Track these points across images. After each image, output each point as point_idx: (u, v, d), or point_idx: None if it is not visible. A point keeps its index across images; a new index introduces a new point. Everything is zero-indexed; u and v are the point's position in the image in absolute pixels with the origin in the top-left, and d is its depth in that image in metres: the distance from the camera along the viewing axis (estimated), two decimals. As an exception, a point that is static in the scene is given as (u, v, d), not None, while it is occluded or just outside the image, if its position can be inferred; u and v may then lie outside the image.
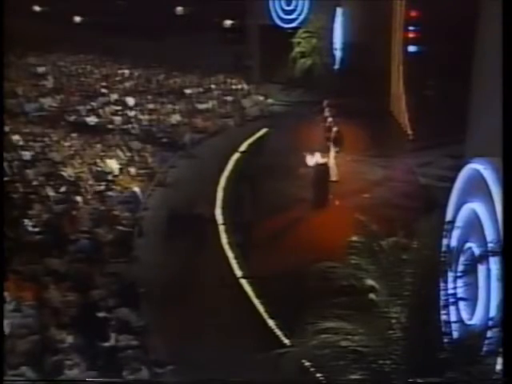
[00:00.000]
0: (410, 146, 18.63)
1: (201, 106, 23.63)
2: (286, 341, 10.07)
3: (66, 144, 19.47)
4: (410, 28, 19.21)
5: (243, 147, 19.75)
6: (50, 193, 15.54)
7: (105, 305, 11.14)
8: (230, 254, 13.33)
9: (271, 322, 10.97)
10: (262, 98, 24.69)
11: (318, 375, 8.21)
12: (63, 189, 15.78)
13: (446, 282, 7.90)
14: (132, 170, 17.48)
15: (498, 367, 6.99)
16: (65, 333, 10.26)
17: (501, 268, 7.45)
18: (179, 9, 34.95)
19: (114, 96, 24.46)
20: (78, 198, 15.28)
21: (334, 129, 16.51)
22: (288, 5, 26.36)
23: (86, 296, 11.31)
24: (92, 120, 22.07)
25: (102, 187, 16.29)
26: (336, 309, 7.65)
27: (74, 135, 20.43)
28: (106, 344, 10.28)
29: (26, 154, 18.27)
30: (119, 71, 28.26)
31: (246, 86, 25.92)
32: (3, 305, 10.46)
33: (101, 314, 10.88)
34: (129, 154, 18.71)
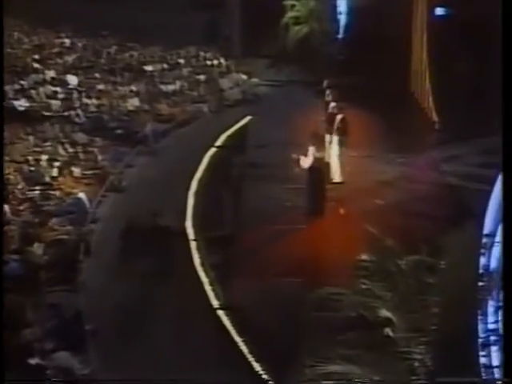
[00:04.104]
0: (435, 138, 18.76)
1: (166, 88, 23.61)
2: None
3: (-13, 136, 19.43)
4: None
5: (220, 141, 19.77)
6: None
7: (39, 348, 11.04)
8: (205, 279, 13.31)
9: (258, 366, 10.94)
10: (244, 77, 24.74)
11: None
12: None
13: (484, 313, 7.96)
14: (76, 171, 17.46)
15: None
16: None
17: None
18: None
19: (51, 73, 24.34)
20: (5, 208, 15.17)
21: (338, 116, 16.56)
22: (277, -44, 26.52)
23: (15, 336, 11.17)
24: (21, 104, 21.92)
25: (36, 193, 16.21)
26: (342, 348, 7.70)
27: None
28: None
29: None
30: (57, 40, 28.11)
31: (223, 62, 25.96)
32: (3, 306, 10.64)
33: (33, 361, 10.76)
34: (71, 149, 18.65)
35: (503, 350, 7.16)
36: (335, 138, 16.40)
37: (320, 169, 15.22)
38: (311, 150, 15.02)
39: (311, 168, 15.11)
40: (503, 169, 8.15)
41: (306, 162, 15.11)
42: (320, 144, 15.41)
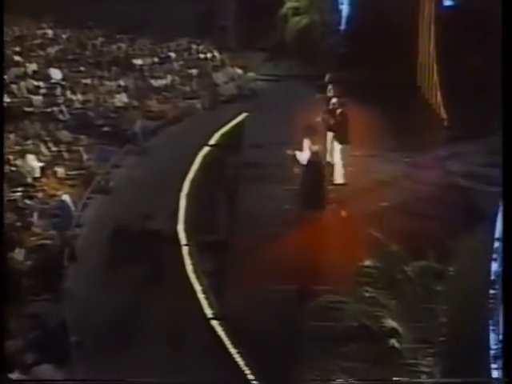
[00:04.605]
0: (444, 136, 18.78)
1: (156, 83, 23.60)
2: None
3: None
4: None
5: (214, 139, 19.78)
6: None
7: (20, 360, 11.01)
8: (197, 287, 13.30)
9: (254, 379, 10.94)
10: (239, 71, 24.74)
11: None
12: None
13: (496, 323, 7.97)
14: (60, 171, 17.41)
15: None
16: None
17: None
18: None
19: (33, 66, 24.31)
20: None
21: (339, 112, 16.55)
22: None
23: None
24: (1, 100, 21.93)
25: (18, 195, 16.19)
26: (343, 360, 7.68)
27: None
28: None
29: None
30: (39, 31, 28.07)
31: (217, 55, 25.95)
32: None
33: (14, 375, 10.70)
34: (55, 148, 18.62)
35: (503, 349, 7.17)
36: (336, 136, 16.42)
37: (317, 163, 15.24)
38: (306, 143, 15.05)
39: (308, 163, 15.13)
40: (503, 169, 8.24)
41: (302, 156, 15.14)
42: (316, 137, 15.39)
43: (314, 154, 15.11)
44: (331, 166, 16.53)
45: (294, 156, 15.30)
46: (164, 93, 23.01)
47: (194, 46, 26.70)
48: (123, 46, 26.79)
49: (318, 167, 15.29)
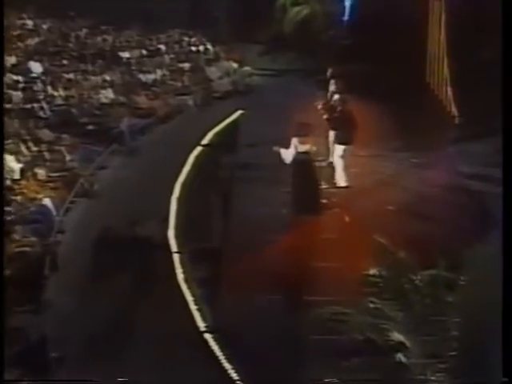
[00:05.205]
0: (455, 134, 18.81)
1: (144, 78, 23.65)
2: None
3: None
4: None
5: (208, 138, 19.80)
6: None
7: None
8: (189, 297, 13.31)
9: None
10: (235, 66, 24.79)
11: None
12: None
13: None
14: (40, 173, 17.46)
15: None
16: None
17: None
18: None
19: (11, 60, 24.32)
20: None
21: (341, 109, 16.57)
22: None
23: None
24: (-23, 96, 21.97)
25: (-5, 198, 16.21)
26: (347, 376, 7.70)
27: None
28: None
29: None
30: (18, 22, 28.07)
31: (211, 48, 26.00)
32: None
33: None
34: (35, 148, 18.66)
35: (503, 349, 7.22)
36: (338, 135, 16.43)
37: (307, 164, 15.27)
38: (294, 141, 15.08)
39: (298, 163, 15.17)
40: (503, 169, 8.37)
41: (286, 155, 15.17)
42: (309, 135, 15.36)
43: (304, 153, 15.13)
44: (332, 167, 16.57)
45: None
46: (153, 88, 23.09)
47: (186, 38, 26.79)
48: (109, 37, 26.84)
49: (309, 168, 15.33)
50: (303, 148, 15.13)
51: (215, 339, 12.16)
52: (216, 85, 23.79)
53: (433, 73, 21.38)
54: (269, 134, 18.57)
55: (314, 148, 15.47)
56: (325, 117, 16.60)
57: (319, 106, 16.78)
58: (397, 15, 21.39)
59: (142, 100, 22.07)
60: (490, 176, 16.34)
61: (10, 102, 21.55)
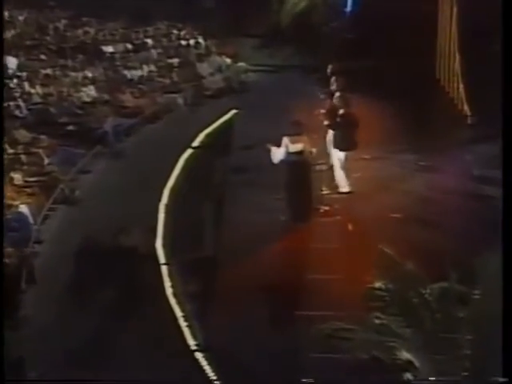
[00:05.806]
0: (467, 135, 18.81)
1: (130, 74, 23.65)
2: None
3: None
4: None
5: (199, 140, 19.80)
6: None
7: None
8: (179, 313, 13.29)
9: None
10: (228, 61, 24.79)
11: None
12: None
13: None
14: (17, 177, 17.42)
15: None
16: None
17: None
18: None
19: (-14, 55, 24.38)
20: None
21: (342, 110, 16.56)
22: None
23: None
24: None
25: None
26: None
27: None
28: None
29: None
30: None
31: (202, 42, 26.00)
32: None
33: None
34: (11, 150, 18.62)
35: (503, 349, 7.31)
36: (338, 141, 16.39)
37: (301, 166, 15.32)
38: (285, 140, 15.08)
39: (289, 164, 15.21)
40: (503, 169, 8.66)
41: (275, 155, 15.19)
42: (299, 133, 15.40)
43: (296, 154, 15.13)
44: (332, 170, 16.58)
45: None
46: (139, 86, 23.07)
47: (175, 31, 26.81)
48: (91, 30, 26.85)
49: (302, 170, 15.39)
50: (295, 148, 15.14)
51: (206, 358, 12.13)
52: (208, 82, 23.78)
53: (443, 69, 21.40)
54: (265, 135, 18.57)
55: (314, 149, 15.49)
56: (326, 123, 16.58)
57: (322, 111, 16.77)
58: (403, 6, 21.42)
59: (127, 98, 22.05)
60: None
61: (-17, 100, 21.64)
